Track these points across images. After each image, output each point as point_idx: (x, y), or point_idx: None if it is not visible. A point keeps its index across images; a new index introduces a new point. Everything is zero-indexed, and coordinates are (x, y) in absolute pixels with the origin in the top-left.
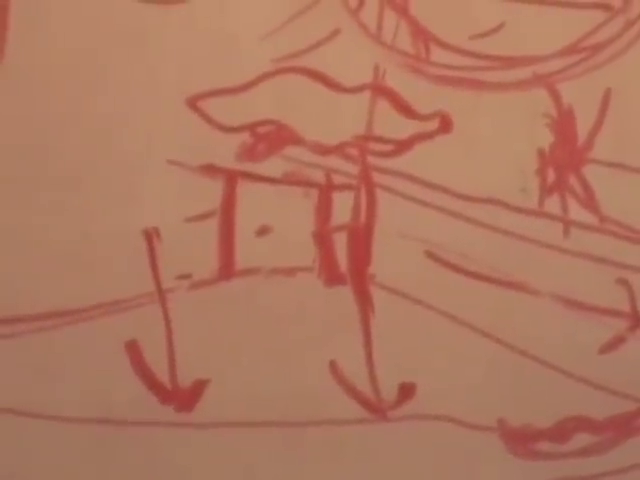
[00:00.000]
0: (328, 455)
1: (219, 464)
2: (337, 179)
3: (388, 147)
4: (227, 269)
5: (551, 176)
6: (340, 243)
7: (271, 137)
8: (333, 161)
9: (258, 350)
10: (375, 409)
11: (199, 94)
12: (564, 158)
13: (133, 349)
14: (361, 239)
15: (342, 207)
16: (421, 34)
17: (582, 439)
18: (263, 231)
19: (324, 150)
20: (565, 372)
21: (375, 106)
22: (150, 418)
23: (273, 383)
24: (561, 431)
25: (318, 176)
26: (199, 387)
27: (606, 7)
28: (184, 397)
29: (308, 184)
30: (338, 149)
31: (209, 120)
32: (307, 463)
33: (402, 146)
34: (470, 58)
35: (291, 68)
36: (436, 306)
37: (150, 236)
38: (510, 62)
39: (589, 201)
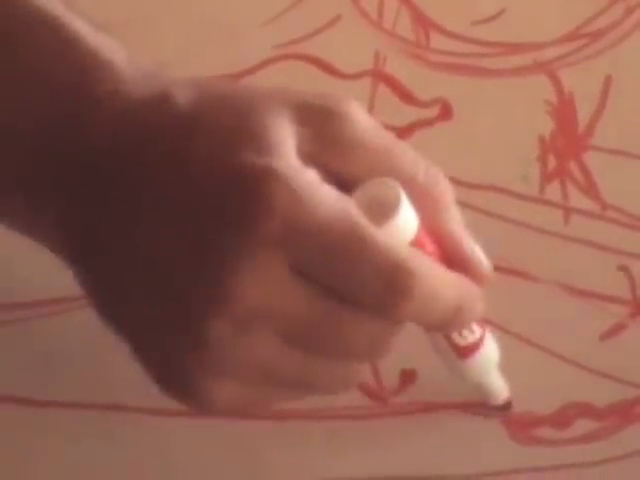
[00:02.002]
0: (331, 443)
1: (223, 452)
2: None
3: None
4: None
5: (552, 163)
6: None
7: None
8: None
9: None
10: (376, 396)
11: None
12: (565, 145)
13: None
14: None
15: None
16: (422, 21)
17: (583, 425)
18: None
19: None
20: (566, 359)
21: (375, 93)
22: (153, 404)
23: None
24: (562, 417)
25: None
26: None
27: None
28: None
29: None
30: None
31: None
32: (310, 451)
33: (402, 133)
34: (470, 45)
35: (292, 55)
36: None
37: None
38: (510, 49)
39: (590, 188)
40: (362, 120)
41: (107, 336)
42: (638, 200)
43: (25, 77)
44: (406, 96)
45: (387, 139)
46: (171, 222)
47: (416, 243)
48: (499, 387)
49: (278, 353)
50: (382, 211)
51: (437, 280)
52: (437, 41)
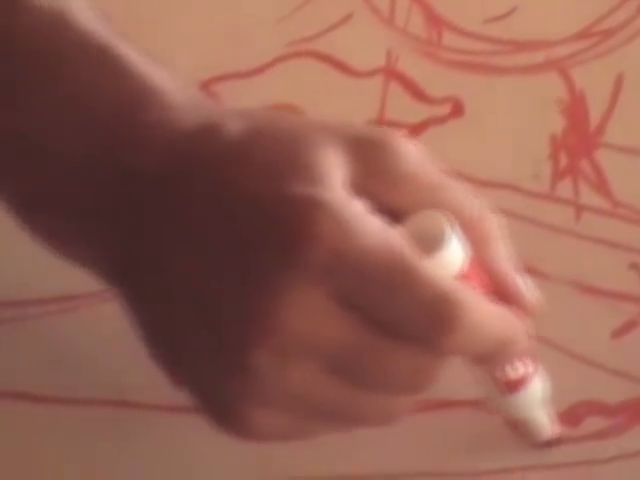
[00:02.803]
0: (339, 439)
1: (231, 449)
2: None
3: (400, 131)
4: None
5: (563, 161)
6: None
7: None
8: None
9: None
10: None
11: (212, 78)
12: (576, 143)
13: None
14: None
15: None
16: (433, 19)
17: (595, 423)
18: None
19: None
20: (577, 356)
21: (387, 90)
22: (163, 401)
23: None
24: (574, 415)
25: None
26: None
27: None
28: None
29: None
30: None
31: (222, 104)
32: (317, 447)
33: (414, 130)
34: (482, 42)
35: (304, 52)
36: None
37: None
38: (522, 47)
39: (601, 186)
40: (411, 154)
41: (113, 334)
42: None
43: (74, 103)
44: (418, 94)
45: (435, 173)
46: (216, 252)
47: (463, 276)
48: (543, 424)
49: (320, 384)
50: (430, 243)
51: (482, 313)
52: (449, 39)
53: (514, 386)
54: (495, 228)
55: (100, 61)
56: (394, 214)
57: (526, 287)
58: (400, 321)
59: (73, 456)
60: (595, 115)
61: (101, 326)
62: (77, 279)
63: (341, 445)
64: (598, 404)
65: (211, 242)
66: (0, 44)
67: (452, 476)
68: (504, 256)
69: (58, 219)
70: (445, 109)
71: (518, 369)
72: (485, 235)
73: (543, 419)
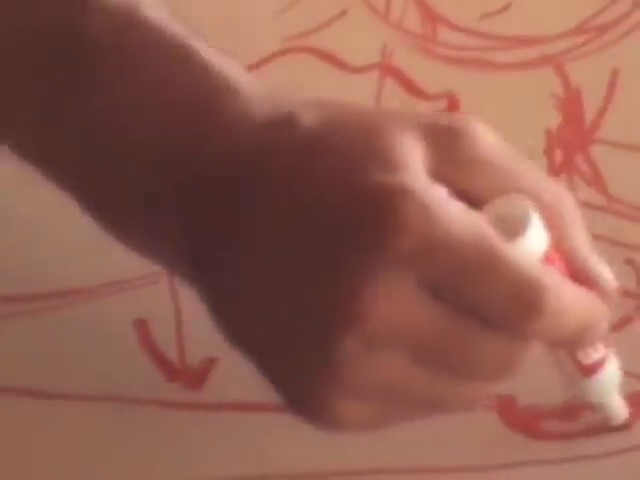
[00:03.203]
0: (336, 437)
1: (228, 444)
2: None
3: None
4: None
5: (559, 156)
6: None
7: None
8: None
9: None
10: None
11: None
12: (571, 138)
13: (141, 327)
14: None
15: None
16: (429, 14)
17: (592, 418)
18: None
19: None
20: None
21: (383, 86)
22: (159, 397)
23: None
24: (570, 410)
25: None
26: (208, 365)
27: None
28: (192, 375)
29: None
30: None
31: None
32: (316, 445)
33: None
34: (478, 38)
35: (299, 48)
36: None
37: None
38: (517, 42)
39: (597, 181)
40: (487, 139)
41: (110, 329)
42: None
43: (151, 99)
44: (413, 89)
45: (512, 157)
46: (300, 241)
47: (546, 260)
48: (619, 407)
49: (405, 372)
50: (513, 228)
51: (568, 297)
52: (444, 34)
53: (591, 370)
54: (574, 212)
55: (175, 57)
56: (470, 201)
57: (605, 271)
58: (487, 307)
59: (70, 451)
60: (590, 111)
61: (98, 321)
62: (74, 274)
63: (332, 441)
64: None
65: (294, 233)
66: (75, 44)
67: (442, 472)
68: (583, 240)
69: (133, 216)
70: (440, 105)
71: (594, 353)
72: (564, 219)
73: (618, 402)
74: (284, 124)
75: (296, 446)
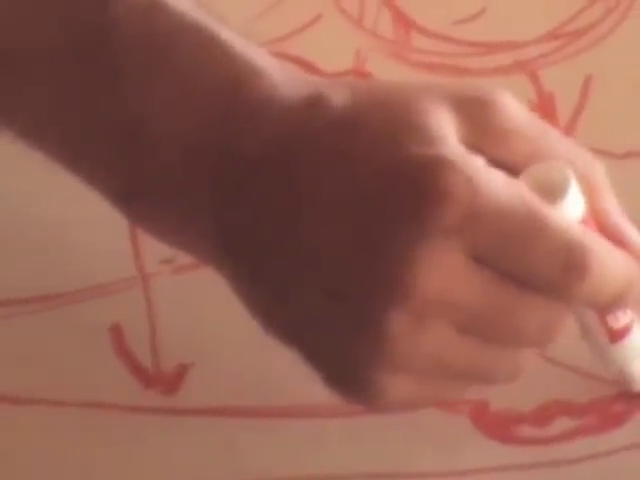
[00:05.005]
0: (312, 441)
1: (203, 450)
2: None
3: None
4: None
5: None
6: None
7: None
8: None
9: (241, 334)
10: None
11: None
12: None
13: (116, 333)
14: None
15: None
16: (402, 20)
17: (563, 423)
18: None
19: None
20: (546, 356)
21: None
22: (134, 402)
23: (257, 367)
24: (542, 415)
25: None
26: (182, 371)
27: None
28: (167, 381)
29: None
30: None
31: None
32: (292, 449)
33: None
34: (451, 44)
35: (273, 53)
36: None
37: None
38: (491, 48)
39: None
40: (516, 109)
41: (84, 334)
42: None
43: (179, 86)
44: None
45: (542, 126)
46: (340, 219)
47: (585, 224)
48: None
49: (453, 344)
50: (552, 192)
51: (610, 258)
52: (418, 40)
53: (619, 334)
54: (604, 179)
55: (201, 43)
56: (503, 171)
57: (635, 235)
58: (534, 272)
59: (43, 457)
60: (564, 117)
61: (72, 327)
62: (48, 280)
63: (313, 446)
64: (567, 404)
65: (336, 212)
66: (100, 38)
67: (415, 477)
68: (615, 205)
69: (164, 203)
70: None
71: (624, 317)
72: (596, 185)
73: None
74: (315, 104)
75: (271, 450)
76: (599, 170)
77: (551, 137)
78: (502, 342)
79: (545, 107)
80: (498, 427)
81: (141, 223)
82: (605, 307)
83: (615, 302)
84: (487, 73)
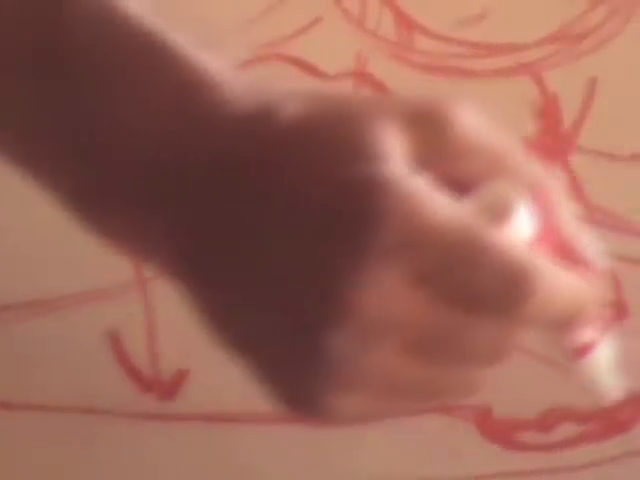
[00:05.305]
0: (312, 447)
1: (200, 455)
2: None
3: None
4: None
5: None
6: None
7: None
8: None
9: None
10: None
11: None
12: (550, 146)
13: (114, 338)
14: None
15: None
16: (405, 22)
17: (568, 429)
18: None
19: None
20: (549, 362)
21: (358, 93)
22: (131, 408)
23: None
24: (546, 421)
25: None
26: (180, 377)
27: None
28: (165, 387)
29: None
30: None
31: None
32: (291, 455)
33: None
34: (454, 46)
35: (274, 55)
36: None
37: None
38: (494, 50)
39: (576, 190)
40: (467, 123)
41: (82, 340)
42: (623, 201)
43: (131, 93)
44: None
45: (494, 140)
46: (284, 236)
47: (534, 243)
48: (609, 389)
49: (399, 363)
50: (499, 213)
51: (556, 279)
52: (420, 42)
53: (581, 352)
54: (559, 192)
55: (153, 50)
56: (457, 185)
57: (594, 250)
58: (477, 293)
59: (41, 462)
60: (569, 119)
61: (71, 333)
62: (45, 285)
63: (313, 452)
64: (570, 410)
65: (278, 225)
66: (55, 42)
67: None
68: (570, 220)
69: (120, 212)
70: None
71: (585, 335)
72: (549, 199)
73: (610, 384)
74: (263, 117)
75: (270, 456)
76: (553, 184)
77: (505, 152)
78: (450, 361)
79: (549, 109)
80: (501, 433)
81: (101, 232)
82: (555, 326)
83: (566, 321)
84: (490, 75)
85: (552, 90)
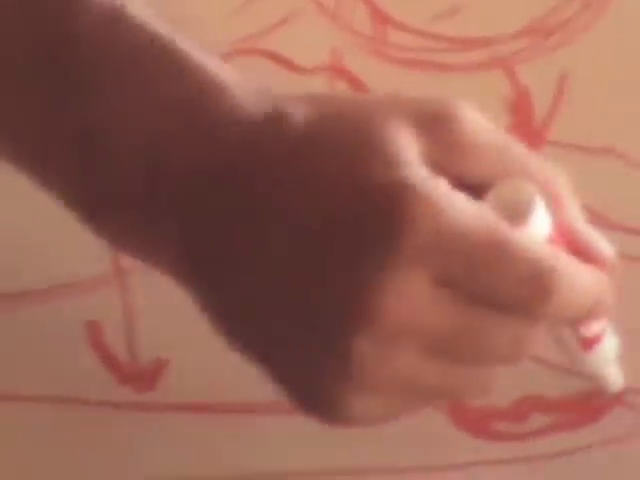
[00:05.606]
0: (290, 437)
1: (179, 445)
2: None
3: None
4: None
5: None
6: None
7: None
8: None
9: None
10: None
11: None
12: (522, 140)
13: (93, 329)
14: None
15: None
16: (379, 16)
17: (540, 419)
18: None
19: None
20: None
21: (333, 88)
22: (111, 398)
23: (234, 364)
24: (518, 411)
25: None
26: (159, 367)
27: None
28: (144, 377)
29: None
30: None
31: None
32: (270, 445)
33: None
34: (428, 40)
35: (249, 50)
36: None
37: None
38: (467, 44)
39: None
40: (479, 123)
41: (61, 331)
42: (595, 195)
43: (141, 100)
44: (364, 91)
45: (502, 139)
46: (306, 241)
47: (551, 241)
48: (617, 377)
49: (420, 366)
50: (518, 213)
51: (577, 276)
52: (395, 36)
53: (592, 342)
54: (568, 190)
55: (163, 57)
56: (468, 186)
57: (604, 245)
58: (500, 294)
59: (20, 451)
60: (540, 112)
61: (49, 323)
62: (23, 276)
63: (293, 441)
64: (542, 399)
65: (302, 233)
66: (63, 46)
67: (391, 472)
68: (580, 215)
69: (128, 219)
70: None
71: (595, 325)
72: (560, 196)
73: (616, 371)
74: (276, 121)
75: (246, 446)
76: (562, 182)
77: (513, 151)
78: (471, 362)
79: (521, 103)
80: (474, 422)
81: (105, 235)
82: (575, 321)
83: (585, 316)
84: (464, 69)
85: (524, 84)
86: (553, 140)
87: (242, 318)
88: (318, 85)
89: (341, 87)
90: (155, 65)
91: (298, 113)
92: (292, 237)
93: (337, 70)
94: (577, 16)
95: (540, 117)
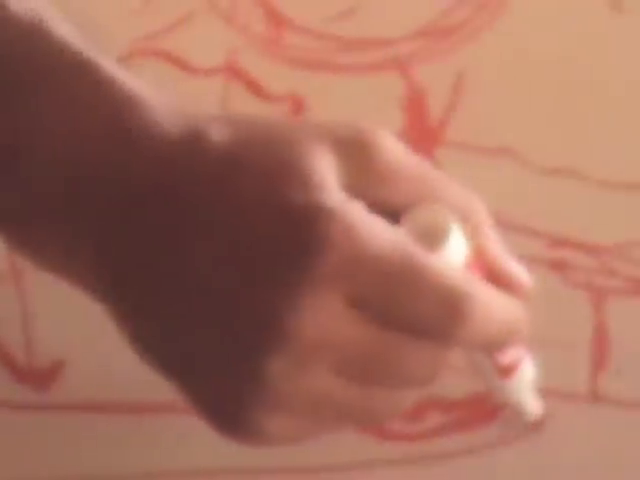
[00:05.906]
0: (176, 441)
1: (76, 445)
2: None
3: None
4: None
5: None
6: None
7: None
8: None
9: (116, 331)
10: None
11: None
12: (416, 140)
13: None
14: None
15: None
16: (275, 17)
17: (437, 418)
18: None
19: None
20: None
21: (229, 88)
22: (6, 397)
23: (131, 365)
24: (414, 410)
25: None
26: (56, 367)
27: None
28: (40, 376)
29: None
30: None
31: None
32: (160, 448)
33: None
34: (324, 40)
35: (145, 51)
36: None
37: None
38: (363, 44)
39: None
40: (396, 149)
41: None
42: (490, 195)
43: (56, 115)
44: (259, 92)
45: (420, 166)
46: (221, 264)
47: (467, 266)
48: (534, 405)
49: (334, 386)
50: (434, 238)
51: (492, 302)
52: (290, 37)
53: (508, 370)
54: (485, 215)
55: (80, 72)
56: (386, 212)
57: (521, 271)
58: (414, 319)
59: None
60: (437, 113)
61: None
62: None
63: (183, 441)
64: (438, 399)
65: (222, 250)
66: None
67: (286, 472)
68: (497, 242)
69: (43, 233)
70: (285, 106)
71: (512, 353)
72: (477, 222)
73: (533, 400)
74: (194, 140)
75: (142, 446)
76: (479, 208)
77: (430, 176)
78: (383, 384)
79: (416, 103)
80: None
81: (21, 250)
82: (488, 348)
83: (500, 342)
84: (359, 69)
85: (419, 85)
86: (448, 140)
87: (161, 335)
88: (214, 86)
89: (236, 87)
90: (71, 80)
91: (217, 132)
92: (214, 251)
93: (233, 71)
94: (473, 17)
95: (437, 118)
